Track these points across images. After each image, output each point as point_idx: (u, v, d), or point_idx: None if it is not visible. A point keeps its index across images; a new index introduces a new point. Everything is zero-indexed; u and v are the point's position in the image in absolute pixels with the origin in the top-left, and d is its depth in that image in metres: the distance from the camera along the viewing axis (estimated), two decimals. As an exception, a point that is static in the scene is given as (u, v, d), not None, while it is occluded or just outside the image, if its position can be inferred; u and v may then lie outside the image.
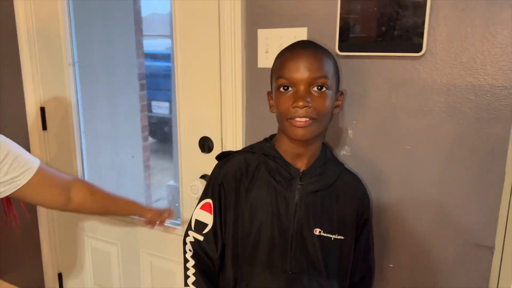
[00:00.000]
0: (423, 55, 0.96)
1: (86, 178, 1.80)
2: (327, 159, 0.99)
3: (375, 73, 1.03)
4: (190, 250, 1.02)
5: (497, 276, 1.03)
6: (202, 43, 1.28)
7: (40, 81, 1.73)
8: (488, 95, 0.92)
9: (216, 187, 1.00)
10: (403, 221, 1.07)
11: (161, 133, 5.09)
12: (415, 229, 1.06)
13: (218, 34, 1.23)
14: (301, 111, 0.86)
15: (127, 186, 2.46)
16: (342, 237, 0.97)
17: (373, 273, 1.10)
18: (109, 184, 2.10)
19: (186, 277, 1.01)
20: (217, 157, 1.06)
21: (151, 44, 4.89)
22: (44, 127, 1.78)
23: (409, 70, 0.99)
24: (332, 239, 0.96)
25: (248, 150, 1.02)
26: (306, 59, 0.86)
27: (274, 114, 0.95)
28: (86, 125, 1.78)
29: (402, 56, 0.98)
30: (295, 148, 0.94)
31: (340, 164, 1.02)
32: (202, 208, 1.01)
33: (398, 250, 1.10)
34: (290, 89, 0.88)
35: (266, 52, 1.16)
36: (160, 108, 5.04)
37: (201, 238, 1.01)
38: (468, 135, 0.96)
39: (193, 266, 1.01)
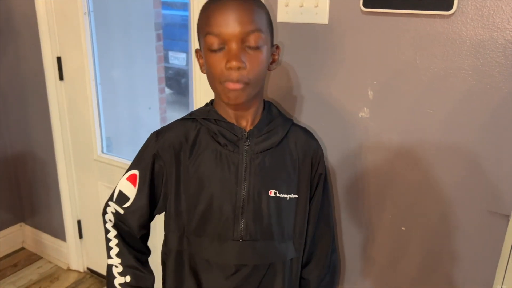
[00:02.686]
0: (453, 13, 0.90)
1: (103, 130, 1.82)
2: (273, 116, 0.93)
3: (400, 32, 0.97)
4: (110, 220, 0.95)
5: (511, 245, 1.03)
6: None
7: (56, 30, 1.71)
8: (520, 60, 0.87)
9: (149, 158, 0.92)
10: (419, 184, 1.06)
11: (178, 84, 5.05)
12: (430, 194, 1.05)
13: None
14: (235, 74, 0.78)
15: (144, 138, 2.49)
16: (296, 196, 0.93)
17: (332, 231, 1.05)
18: (126, 135, 2.13)
19: (109, 248, 0.94)
20: None
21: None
22: (61, 77, 1.78)
23: (437, 30, 0.93)
24: (288, 198, 0.92)
25: (187, 117, 0.94)
26: (235, 11, 0.76)
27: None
28: (102, 75, 1.77)
29: (430, 15, 0.92)
30: (234, 111, 0.89)
31: (289, 120, 0.97)
32: (128, 179, 0.93)
33: (411, 214, 1.09)
34: (221, 46, 0.79)
35: (287, 5, 1.11)
36: (177, 59, 4.96)
37: (121, 211, 0.94)
38: (494, 101, 0.91)
39: (115, 237, 0.94)
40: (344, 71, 1.08)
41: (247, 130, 0.91)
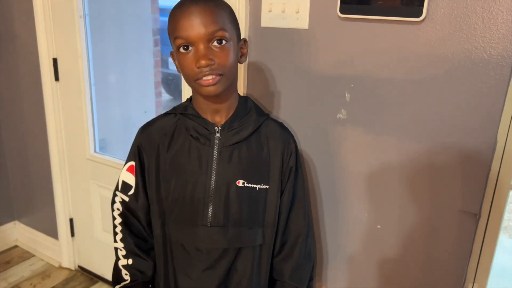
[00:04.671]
0: (422, 20, 0.95)
1: (96, 130, 1.86)
2: (248, 111, 1.00)
3: (375, 37, 1.02)
4: (118, 209, 1.06)
5: (481, 242, 1.06)
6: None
7: (53, 32, 1.77)
8: (484, 64, 0.91)
9: (136, 149, 1.02)
10: (393, 185, 1.10)
11: (176, 90, 5.12)
12: (404, 193, 1.09)
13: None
14: (206, 70, 0.84)
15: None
16: (267, 186, 0.99)
17: (307, 224, 1.09)
18: (120, 137, 2.18)
19: (115, 233, 1.06)
20: None
21: (168, -1, 4.81)
22: (57, 77, 1.83)
23: (409, 36, 0.98)
24: (257, 189, 0.98)
25: (169, 112, 1.03)
26: (198, 15, 0.83)
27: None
28: (97, 77, 1.82)
29: (401, 21, 0.97)
30: (210, 105, 0.95)
31: (264, 115, 1.03)
32: (127, 170, 1.04)
33: (386, 213, 1.13)
34: (190, 48, 0.85)
35: (270, 11, 1.16)
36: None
37: (126, 199, 1.04)
38: (462, 104, 0.96)
39: (120, 224, 1.05)
40: (323, 74, 1.13)
41: (220, 125, 0.97)
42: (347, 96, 1.10)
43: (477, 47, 0.91)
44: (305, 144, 1.20)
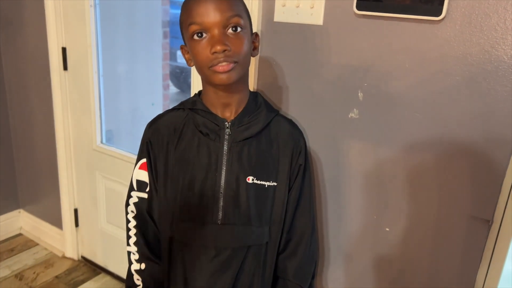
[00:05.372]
0: (442, 19, 0.92)
1: (103, 121, 1.85)
2: (258, 106, 0.98)
3: (392, 36, 1.00)
4: (132, 211, 1.03)
5: (492, 250, 1.04)
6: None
7: (62, 21, 1.75)
8: (504, 67, 0.89)
9: (145, 146, 1.00)
10: (402, 187, 1.08)
11: (184, 83, 5.11)
12: (415, 197, 1.07)
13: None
14: (221, 56, 0.83)
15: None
16: (275, 183, 0.97)
17: (311, 223, 1.08)
18: (127, 129, 2.16)
19: (128, 237, 1.04)
20: None
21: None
22: (65, 67, 1.82)
23: (427, 35, 0.95)
24: (266, 186, 0.96)
25: (178, 107, 1.01)
26: (214, 1, 0.82)
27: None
28: (105, 68, 1.81)
29: (420, 20, 0.94)
30: (221, 98, 0.93)
31: (274, 111, 1.01)
32: (140, 168, 1.01)
33: (395, 216, 1.11)
34: (204, 35, 0.84)
35: (284, 6, 1.14)
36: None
37: (145, 195, 1.01)
38: (479, 108, 0.93)
39: (134, 227, 1.03)
40: (336, 72, 1.10)
41: (229, 120, 0.95)
42: (360, 95, 1.08)
43: (498, 49, 0.89)
44: (314, 142, 1.18)
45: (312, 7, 1.09)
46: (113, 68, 1.99)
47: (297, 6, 1.11)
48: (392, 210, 1.11)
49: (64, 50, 1.79)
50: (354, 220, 1.18)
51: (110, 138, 1.97)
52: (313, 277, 1.12)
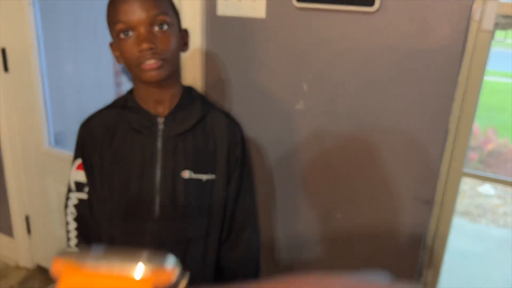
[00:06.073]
0: (376, 10, 0.95)
1: (50, 122, 1.79)
2: (192, 101, 0.98)
3: (330, 27, 1.02)
4: (72, 213, 1.02)
5: (435, 229, 1.10)
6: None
7: (0, 21, 1.67)
8: (436, 54, 0.93)
9: (80, 146, 0.99)
10: (352, 173, 1.11)
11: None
12: (363, 182, 1.10)
13: (178, -21, 1.20)
14: (149, 54, 0.83)
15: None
16: (214, 176, 0.99)
17: (252, 215, 1.09)
18: (76, 130, 2.10)
19: (68, 239, 1.03)
20: None
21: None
22: (6, 68, 1.73)
23: (362, 25, 0.98)
24: (204, 180, 0.97)
25: (110, 105, 1.01)
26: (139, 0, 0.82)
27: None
28: (50, 67, 1.74)
29: (356, 11, 0.97)
30: (153, 94, 0.93)
31: (209, 104, 1.02)
32: (77, 168, 1.00)
33: (346, 202, 1.14)
34: (130, 33, 0.84)
35: None
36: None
37: (85, 196, 1.00)
38: (415, 94, 0.97)
39: (75, 229, 1.02)
40: (280, 64, 1.12)
41: (163, 115, 0.95)
42: (305, 86, 1.10)
43: (428, 37, 0.93)
44: (261, 135, 1.20)
45: (255, 1, 1.09)
46: (59, 68, 1.91)
47: (239, 0, 1.11)
48: (342, 197, 1.14)
49: (3, 50, 1.71)
50: (305, 210, 1.20)
51: (61, 140, 1.89)
52: (258, 269, 1.14)
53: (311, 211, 1.20)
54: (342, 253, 1.19)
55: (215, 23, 1.18)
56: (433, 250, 1.12)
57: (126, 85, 4.60)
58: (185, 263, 1.02)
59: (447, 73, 0.93)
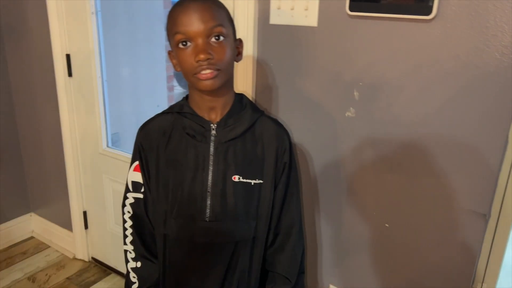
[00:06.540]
0: (433, 18, 0.93)
1: (108, 125, 1.89)
2: (243, 108, 1.02)
3: (384, 36, 1.01)
4: (128, 212, 1.09)
5: (491, 242, 1.05)
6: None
7: (66, 29, 1.79)
8: (496, 64, 0.90)
9: (137, 149, 1.05)
10: (400, 183, 1.09)
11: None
12: (413, 193, 1.08)
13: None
14: (205, 64, 0.87)
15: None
16: (261, 181, 1.01)
17: (298, 219, 1.11)
18: (133, 131, 2.20)
19: (125, 236, 1.10)
20: None
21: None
22: (70, 73, 1.85)
23: (418, 34, 0.97)
24: (252, 184, 1.00)
25: (166, 111, 1.06)
26: (197, 11, 0.86)
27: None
28: (108, 72, 1.84)
29: (412, 19, 0.96)
30: (207, 102, 0.97)
31: (259, 111, 1.05)
32: (134, 170, 1.06)
33: (395, 212, 1.12)
34: (189, 44, 0.88)
35: (279, 8, 1.16)
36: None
37: (141, 196, 1.06)
38: (473, 104, 0.94)
39: (130, 226, 1.09)
40: (331, 72, 1.12)
41: (215, 122, 0.99)
42: (356, 94, 1.10)
43: (489, 45, 0.90)
44: (309, 141, 1.20)
45: (306, 9, 1.11)
46: (117, 72, 2.02)
47: (292, 9, 1.13)
48: (391, 206, 1.13)
49: (68, 56, 1.83)
50: (349, 217, 1.20)
51: (116, 140, 2.00)
52: (302, 272, 1.15)
53: (357, 218, 1.19)
54: (389, 264, 1.17)
55: (267, 31, 1.20)
56: (488, 265, 1.08)
57: (178, 89, 4.75)
58: (231, 264, 1.07)
59: (508, 80, 0.89)
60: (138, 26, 2.21)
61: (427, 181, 1.05)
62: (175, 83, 4.08)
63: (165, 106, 2.69)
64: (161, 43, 2.57)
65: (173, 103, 3.08)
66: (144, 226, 1.09)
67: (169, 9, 2.68)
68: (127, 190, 1.09)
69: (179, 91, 4.88)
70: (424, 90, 1.00)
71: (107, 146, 1.90)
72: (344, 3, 1.03)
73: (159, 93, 2.62)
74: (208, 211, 1.01)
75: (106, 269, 2.09)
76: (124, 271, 1.98)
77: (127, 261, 1.10)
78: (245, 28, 1.22)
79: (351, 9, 1.02)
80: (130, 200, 1.08)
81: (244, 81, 1.28)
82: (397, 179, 1.10)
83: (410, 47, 0.99)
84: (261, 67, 1.25)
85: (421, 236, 1.10)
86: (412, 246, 1.12)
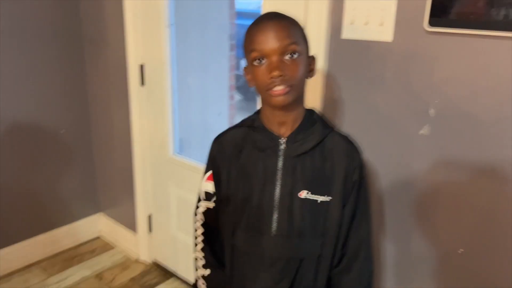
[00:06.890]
0: (522, 35, 0.88)
1: (177, 132, 1.96)
2: (313, 123, 1.01)
3: (466, 53, 0.97)
4: (201, 219, 1.12)
5: None
6: (288, 7, 1.29)
7: (141, 40, 1.89)
8: None
9: (211, 160, 1.09)
10: (476, 206, 1.03)
11: (248, 91, 5.23)
12: (495, 216, 1.02)
13: (304, 1, 1.24)
14: (278, 80, 0.89)
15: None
16: (329, 198, 0.99)
17: (366, 239, 1.07)
18: (196, 138, 2.27)
19: (195, 243, 1.12)
20: None
21: (244, 2, 4.93)
22: (142, 82, 1.95)
23: (504, 52, 0.92)
24: (319, 201, 0.99)
25: (239, 125, 1.08)
26: (273, 30, 0.89)
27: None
28: (179, 82, 1.92)
29: (498, 36, 0.91)
30: (277, 116, 0.98)
31: (329, 127, 1.03)
32: (208, 179, 1.10)
33: (469, 237, 1.07)
34: (263, 61, 0.90)
35: (352, 23, 1.15)
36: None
37: (212, 205, 1.10)
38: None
39: (202, 234, 1.11)
40: (404, 88, 1.09)
41: (285, 136, 1.00)
42: (432, 112, 1.06)
43: None
44: (379, 158, 1.18)
45: (381, 25, 1.09)
46: (185, 81, 2.10)
47: (366, 24, 1.12)
48: (466, 231, 1.07)
49: (142, 67, 1.93)
50: (418, 239, 1.15)
51: (181, 146, 2.07)
52: None
53: (426, 241, 1.14)
54: (463, 291, 1.11)
55: (338, 46, 1.19)
56: None
57: (237, 96, 4.83)
58: (296, 281, 1.05)
59: None
60: (206, 38, 2.28)
61: (507, 206, 0.99)
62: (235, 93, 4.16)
63: (226, 114, 2.75)
64: (225, 53, 2.64)
65: (233, 111, 3.13)
66: (214, 235, 1.11)
67: (233, 19, 2.74)
68: (199, 199, 1.13)
69: (237, 98, 4.97)
70: (503, 111, 0.94)
71: (174, 153, 1.97)
72: (422, 19, 1.01)
73: (221, 101, 2.69)
74: (274, 225, 1.01)
75: (166, 273, 2.16)
76: (184, 276, 2.07)
77: (196, 268, 1.13)
78: (316, 42, 1.22)
79: (431, 24, 0.99)
80: (202, 208, 1.12)
81: (312, 95, 1.27)
82: (473, 202, 1.04)
83: (496, 67, 0.94)
84: (330, 81, 1.24)
85: (500, 264, 1.03)
86: (489, 274, 1.06)
